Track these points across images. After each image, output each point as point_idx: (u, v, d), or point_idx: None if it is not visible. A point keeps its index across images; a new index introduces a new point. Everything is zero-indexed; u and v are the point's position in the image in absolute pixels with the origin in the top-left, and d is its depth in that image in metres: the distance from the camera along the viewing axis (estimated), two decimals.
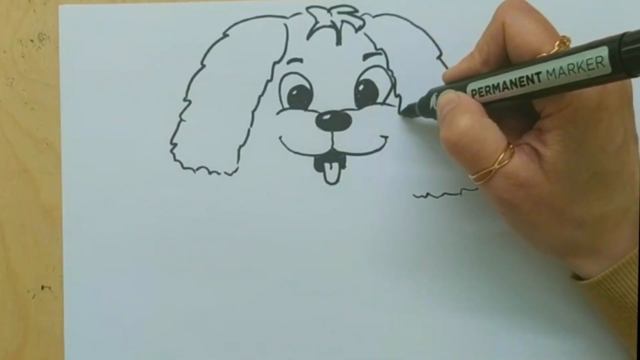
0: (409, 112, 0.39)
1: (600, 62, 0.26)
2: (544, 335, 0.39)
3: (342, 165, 0.40)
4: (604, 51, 0.26)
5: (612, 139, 0.31)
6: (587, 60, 0.27)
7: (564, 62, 0.28)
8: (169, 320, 0.41)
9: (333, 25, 0.39)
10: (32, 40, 0.40)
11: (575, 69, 0.27)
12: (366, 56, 0.39)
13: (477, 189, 0.39)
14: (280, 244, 0.40)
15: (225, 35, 0.40)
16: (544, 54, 0.30)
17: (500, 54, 0.33)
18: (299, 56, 0.39)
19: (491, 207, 0.34)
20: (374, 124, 0.39)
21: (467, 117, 0.31)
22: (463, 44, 0.39)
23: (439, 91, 0.35)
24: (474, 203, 0.39)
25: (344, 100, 0.39)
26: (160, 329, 0.41)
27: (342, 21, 0.39)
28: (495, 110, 0.33)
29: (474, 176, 0.32)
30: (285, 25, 0.39)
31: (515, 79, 0.30)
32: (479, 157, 0.31)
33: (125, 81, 0.40)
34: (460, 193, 0.39)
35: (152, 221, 0.40)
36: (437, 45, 0.39)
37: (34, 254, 0.41)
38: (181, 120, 0.40)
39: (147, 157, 0.40)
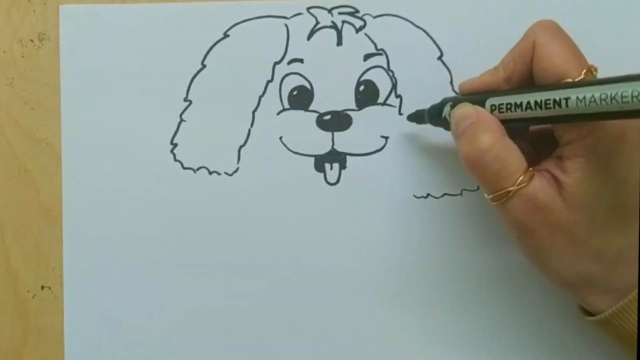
0: (416, 118, 0.38)
1: (637, 97, 0.26)
2: (543, 335, 0.39)
3: (343, 166, 0.40)
4: None
5: (633, 173, 0.30)
6: (622, 92, 0.26)
7: (596, 90, 0.28)
8: (169, 320, 0.41)
9: (334, 26, 0.39)
10: (32, 40, 0.40)
11: (608, 100, 0.27)
12: (367, 57, 0.39)
13: (477, 189, 0.39)
14: (280, 244, 0.40)
15: (225, 35, 0.40)
16: (570, 80, 0.30)
17: (525, 74, 0.32)
18: (299, 56, 0.39)
19: (505, 229, 0.33)
20: (374, 124, 0.39)
21: (489, 135, 0.31)
22: (464, 44, 0.39)
23: (453, 102, 0.35)
24: (475, 204, 0.39)
25: (345, 100, 0.39)
26: (160, 328, 0.41)
27: (343, 21, 0.39)
28: (509, 130, 0.33)
29: (492, 196, 0.31)
30: (286, 25, 0.39)
31: (542, 101, 0.30)
32: (499, 176, 0.31)
33: (125, 81, 0.40)
34: (461, 194, 0.39)
35: (152, 221, 0.40)
36: (437, 46, 0.39)
37: (34, 254, 0.41)
38: (181, 120, 0.40)
39: (148, 157, 0.40)
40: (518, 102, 0.31)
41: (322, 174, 0.40)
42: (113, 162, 0.40)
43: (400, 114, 0.39)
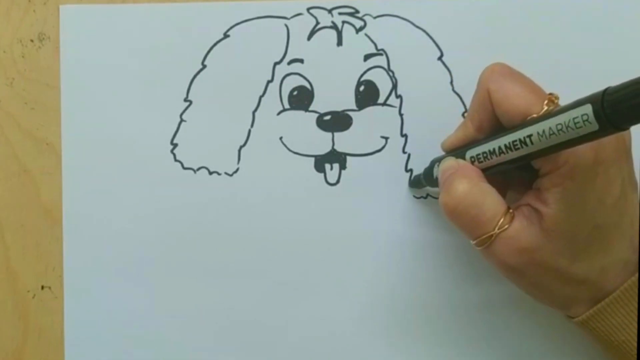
0: (416, 183, 0.39)
1: (587, 120, 0.26)
2: (542, 333, 0.40)
3: (343, 166, 0.40)
4: (588, 109, 0.26)
5: (610, 191, 0.31)
6: (573, 119, 0.26)
7: (552, 122, 0.28)
8: (169, 320, 0.41)
9: (334, 26, 0.39)
10: (32, 40, 0.40)
11: (564, 129, 0.27)
12: (367, 57, 0.39)
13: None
14: (280, 244, 0.40)
15: (226, 35, 0.40)
16: (534, 115, 0.30)
17: (492, 119, 0.33)
18: (299, 57, 0.39)
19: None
20: (374, 124, 0.39)
21: (465, 182, 0.31)
22: (464, 44, 0.39)
23: (440, 160, 0.35)
24: None
25: (345, 101, 0.39)
26: (160, 329, 0.41)
27: (343, 22, 0.39)
28: (498, 174, 0.33)
29: (475, 242, 0.32)
30: (286, 25, 0.39)
31: (509, 143, 0.30)
32: (477, 221, 0.31)
33: (125, 81, 0.40)
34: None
35: (153, 221, 0.40)
36: (437, 46, 0.39)
37: (34, 254, 0.41)
38: (182, 120, 0.40)
39: (148, 158, 0.40)
40: (491, 149, 0.31)
41: (322, 174, 0.40)
42: (113, 162, 0.40)
43: (400, 114, 0.39)
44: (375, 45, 0.39)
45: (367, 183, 0.40)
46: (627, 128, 0.26)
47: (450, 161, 0.34)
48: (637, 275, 0.31)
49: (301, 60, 0.39)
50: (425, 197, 0.40)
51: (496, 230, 0.31)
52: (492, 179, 0.33)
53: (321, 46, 0.39)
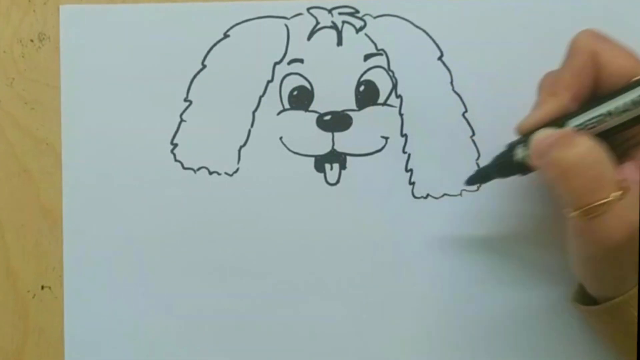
0: (481, 178, 0.36)
1: None
2: (540, 333, 0.40)
3: (343, 166, 0.40)
4: None
5: None
6: None
7: None
8: (169, 321, 0.41)
9: (334, 26, 0.39)
10: (32, 40, 0.40)
11: None
12: (367, 57, 0.39)
13: (477, 189, 0.39)
14: (280, 244, 0.40)
15: (226, 35, 0.40)
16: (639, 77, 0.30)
17: (590, 87, 0.31)
18: (299, 57, 0.39)
19: (568, 241, 0.31)
20: (374, 124, 0.39)
21: (587, 140, 0.29)
22: (464, 44, 0.39)
23: (523, 142, 0.33)
24: (474, 204, 0.39)
25: (345, 100, 0.39)
26: (160, 329, 0.41)
27: (343, 22, 0.39)
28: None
29: (582, 209, 0.29)
30: (286, 25, 0.39)
31: (629, 102, 0.29)
32: (596, 184, 0.28)
33: (125, 81, 0.40)
34: (461, 194, 0.39)
35: (153, 221, 0.40)
36: (438, 46, 0.39)
37: (34, 254, 0.41)
38: (182, 120, 0.40)
39: (148, 158, 0.40)
40: (608, 111, 0.30)
41: (322, 174, 0.40)
42: (113, 162, 0.40)
43: (400, 114, 0.39)
44: (375, 45, 0.39)
45: (367, 183, 0.40)
46: None
47: (550, 132, 0.31)
48: None
49: (301, 60, 0.39)
50: (426, 197, 0.40)
51: (612, 197, 0.28)
52: None
53: (321, 46, 0.39)
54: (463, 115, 0.39)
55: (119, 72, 0.40)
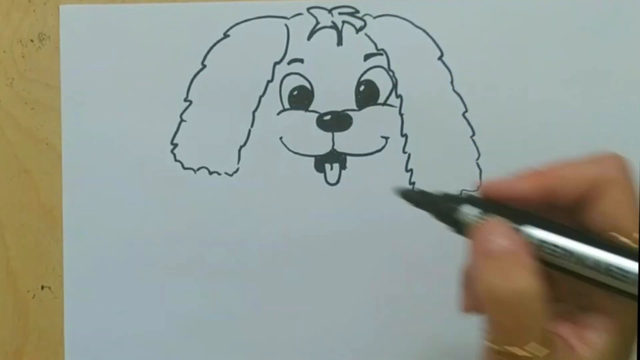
0: (414, 201, 0.29)
1: None
2: None
3: (343, 166, 0.40)
4: None
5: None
6: None
7: None
8: (169, 321, 0.41)
9: (334, 26, 0.39)
10: (32, 40, 0.40)
11: None
12: (367, 57, 0.39)
13: (477, 189, 0.39)
14: (280, 244, 0.40)
15: (226, 35, 0.40)
16: (615, 235, 0.25)
17: (574, 198, 0.26)
18: (299, 57, 0.39)
19: None
20: (374, 124, 0.39)
21: (531, 276, 0.24)
22: (464, 44, 0.39)
23: (478, 206, 0.27)
24: None
25: (345, 100, 0.39)
26: (160, 329, 0.41)
27: (343, 22, 0.39)
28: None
29: (496, 347, 0.25)
30: (286, 25, 0.39)
31: (608, 264, 0.24)
32: (519, 331, 0.24)
33: (125, 81, 0.40)
34: (460, 194, 0.39)
35: (152, 221, 0.40)
36: (438, 46, 0.39)
37: (34, 254, 0.41)
38: (182, 120, 0.40)
39: (148, 158, 0.40)
40: (572, 251, 0.24)
41: (322, 174, 0.40)
42: (113, 162, 0.40)
43: (400, 114, 0.39)
44: (375, 45, 0.39)
45: (367, 183, 0.40)
46: None
47: (505, 231, 0.26)
48: None
49: (301, 60, 0.39)
50: None
51: (528, 354, 0.24)
52: None
53: (321, 46, 0.39)
54: (463, 115, 0.39)
55: (119, 72, 0.40)
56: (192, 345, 0.41)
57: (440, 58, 0.39)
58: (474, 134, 0.39)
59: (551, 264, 0.25)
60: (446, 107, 0.39)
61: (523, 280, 0.24)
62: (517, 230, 0.25)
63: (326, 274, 0.40)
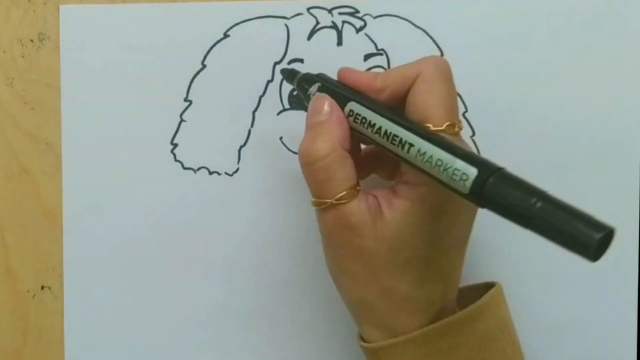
0: (287, 75, 0.36)
1: (464, 180, 0.25)
2: (546, 330, 0.40)
3: None
4: (472, 172, 0.25)
5: (451, 235, 0.31)
6: (454, 167, 0.26)
7: (436, 152, 0.27)
8: (169, 321, 0.41)
9: (334, 26, 0.39)
10: (32, 40, 0.40)
11: (442, 168, 0.26)
12: (367, 57, 0.39)
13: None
14: (280, 244, 0.40)
15: (226, 35, 0.40)
16: (430, 126, 0.29)
17: (399, 96, 0.31)
18: (299, 57, 0.39)
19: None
20: None
21: (327, 144, 0.30)
22: (464, 44, 0.39)
23: (323, 86, 0.33)
24: None
25: None
26: (160, 329, 0.41)
27: (343, 22, 0.39)
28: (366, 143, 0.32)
29: (313, 200, 0.32)
30: (286, 25, 0.39)
31: (391, 133, 0.29)
32: (322, 186, 0.31)
33: (125, 81, 0.40)
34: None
35: (152, 221, 0.40)
36: (438, 46, 0.39)
37: (34, 254, 0.41)
38: (182, 120, 0.40)
39: (148, 158, 0.40)
40: (372, 122, 0.30)
41: None
42: (113, 162, 0.40)
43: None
44: (376, 45, 0.39)
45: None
46: (484, 207, 0.25)
47: (326, 102, 0.32)
48: (436, 324, 0.30)
49: (301, 60, 0.39)
50: None
51: (333, 201, 0.30)
52: (358, 142, 0.33)
53: (321, 46, 0.39)
54: (463, 115, 0.39)
55: (118, 72, 0.40)
56: (192, 345, 0.41)
57: None
58: (474, 134, 0.39)
59: (367, 137, 0.31)
60: None
61: (321, 147, 0.30)
62: (343, 102, 0.32)
63: (326, 274, 0.40)
